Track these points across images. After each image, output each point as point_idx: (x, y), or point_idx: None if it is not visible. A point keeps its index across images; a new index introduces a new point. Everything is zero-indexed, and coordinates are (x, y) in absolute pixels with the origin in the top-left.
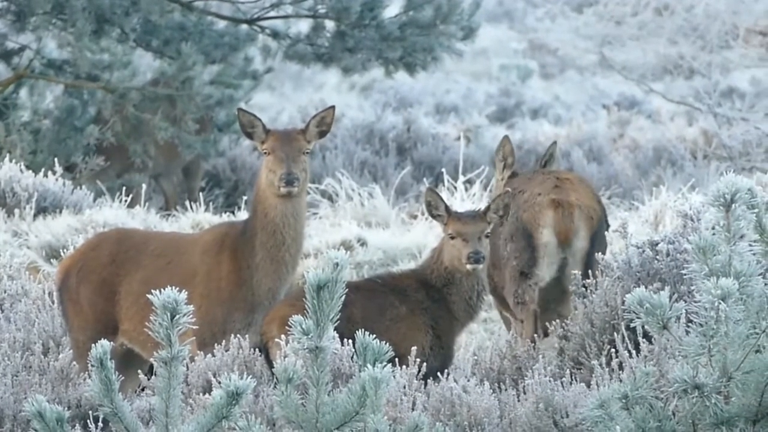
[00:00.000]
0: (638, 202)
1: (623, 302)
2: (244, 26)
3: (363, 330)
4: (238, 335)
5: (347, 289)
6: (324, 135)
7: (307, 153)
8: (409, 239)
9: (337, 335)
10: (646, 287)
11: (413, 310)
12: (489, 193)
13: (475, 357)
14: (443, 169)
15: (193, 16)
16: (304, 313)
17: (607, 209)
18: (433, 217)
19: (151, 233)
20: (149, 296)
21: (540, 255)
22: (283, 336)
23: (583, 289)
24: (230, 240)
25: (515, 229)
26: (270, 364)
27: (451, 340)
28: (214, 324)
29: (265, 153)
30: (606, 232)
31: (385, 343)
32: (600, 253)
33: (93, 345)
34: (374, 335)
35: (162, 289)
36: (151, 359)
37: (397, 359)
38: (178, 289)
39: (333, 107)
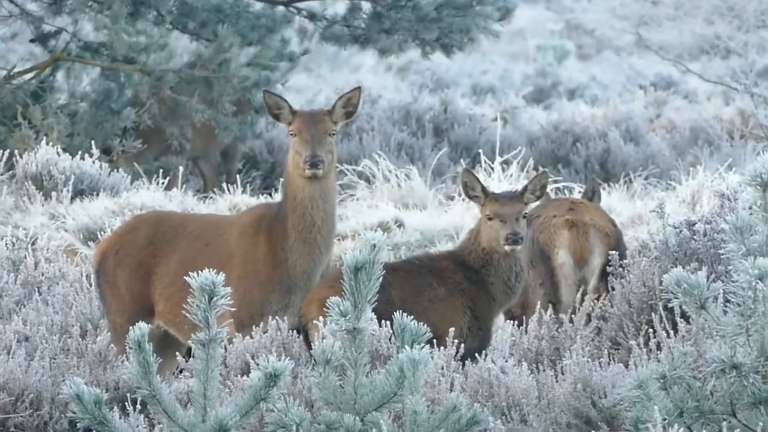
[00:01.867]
0: (675, 182)
1: (661, 282)
2: (281, 8)
3: (401, 311)
4: (276, 317)
5: (385, 271)
6: (351, 116)
7: (334, 134)
8: (446, 220)
9: (375, 316)
10: (683, 267)
11: (451, 292)
12: (525, 173)
13: (513, 338)
14: (480, 150)
15: None
16: (342, 294)
17: (644, 190)
18: (470, 198)
19: (189, 215)
20: (186, 278)
21: (558, 278)
22: (321, 318)
23: (621, 269)
24: (266, 222)
25: (533, 253)
26: (309, 345)
27: (489, 322)
28: (251, 306)
29: (292, 134)
30: (623, 256)
31: (423, 325)
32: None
33: (130, 327)
34: (412, 316)
35: (199, 271)
36: (188, 341)
37: (434, 340)
38: (215, 271)
39: (359, 88)
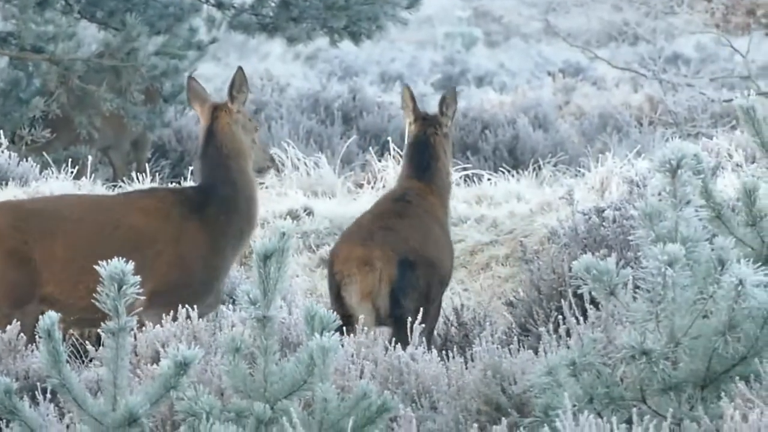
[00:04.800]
0: (584, 168)
1: (570, 269)
2: None
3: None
4: (198, 301)
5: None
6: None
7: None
8: (355, 208)
9: None
10: (593, 254)
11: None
12: None
13: (423, 325)
14: (389, 138)
15: None
16: (375, 253)
17: (553, 177)
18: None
19: (51, 198)
20: (96, 267)
21: None
22: (359, 276)
23: (529, 256)
24: (192, 207)
25: None
26: (340, 303)
27: None
28: (182, 291)
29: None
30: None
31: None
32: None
33: (20, 316)
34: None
35: (107, 257)
36: (72, 325)
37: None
38: (125, 255)
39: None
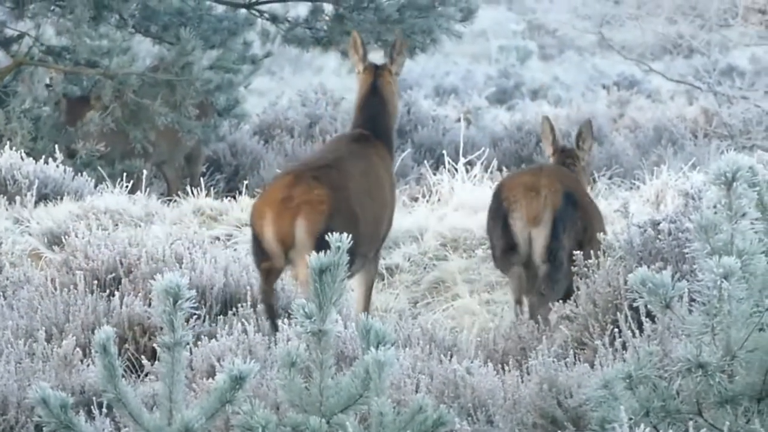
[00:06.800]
0: (639, 181)
1: (626, 282)
2: (243, 10)
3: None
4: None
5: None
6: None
7: None
8: (410, 221)
9: None
10: (648, 267)
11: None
12: (489, 174)
13: (479, 338)
14: (444, 151)
15: (191, 1)
16: (542, 181)
17: (608, 190)
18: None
19: (330, 157)
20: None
21: None
22: (525, 201)
23: (585, 269)
24: (382, 147)
25: None
26: (508, 233)
27: None
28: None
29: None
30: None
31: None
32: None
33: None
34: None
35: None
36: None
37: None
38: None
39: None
